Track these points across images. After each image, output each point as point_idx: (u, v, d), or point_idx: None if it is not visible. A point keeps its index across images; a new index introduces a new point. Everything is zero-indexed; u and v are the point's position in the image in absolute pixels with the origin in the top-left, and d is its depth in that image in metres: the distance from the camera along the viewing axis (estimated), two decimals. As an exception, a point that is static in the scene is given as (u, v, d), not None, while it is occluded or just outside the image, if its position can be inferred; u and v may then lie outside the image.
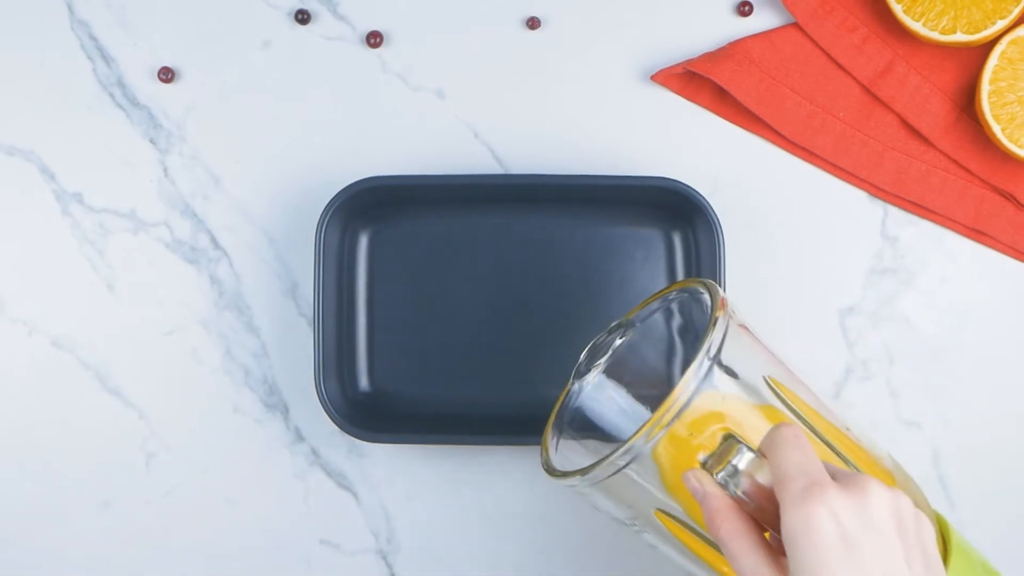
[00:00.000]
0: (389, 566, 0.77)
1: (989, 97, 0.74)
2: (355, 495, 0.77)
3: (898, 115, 0.77)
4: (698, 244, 0.75)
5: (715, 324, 0.58)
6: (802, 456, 0.54)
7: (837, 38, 0.76)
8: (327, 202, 0.73)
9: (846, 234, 0.77)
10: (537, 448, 0.75)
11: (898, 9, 0.74)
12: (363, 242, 0.76)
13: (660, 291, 0.65)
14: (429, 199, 0.75)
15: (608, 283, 0.75)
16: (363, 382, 0.76)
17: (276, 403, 0.77)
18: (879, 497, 0.53)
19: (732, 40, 0.77)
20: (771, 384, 0.60)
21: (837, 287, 0.77)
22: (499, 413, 0.75)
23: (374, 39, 0.77)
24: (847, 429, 0.62)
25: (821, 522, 0.52)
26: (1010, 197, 0.76)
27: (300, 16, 0.77)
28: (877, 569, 0.52)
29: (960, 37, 0.73)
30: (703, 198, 0.73)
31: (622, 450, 0.57)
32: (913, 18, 0.74)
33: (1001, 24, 0.73)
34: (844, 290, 0.77)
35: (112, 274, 0.77)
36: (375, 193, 0.74)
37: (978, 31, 0.73)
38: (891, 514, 0.54)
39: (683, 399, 0.57)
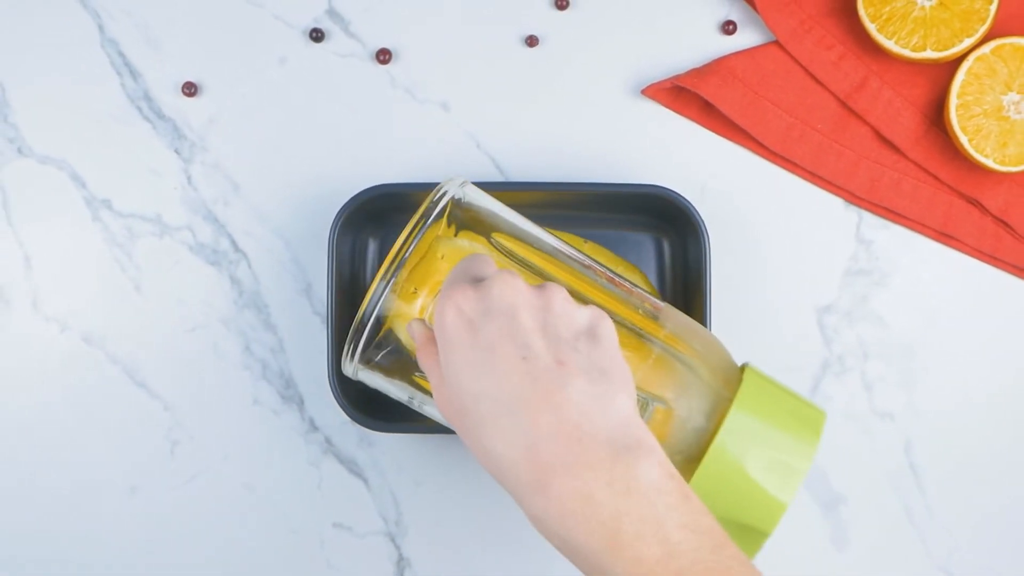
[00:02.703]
0: (397, 547, 0.77)
1: (957, 110, 0.74)
2: (365, 481, 0.77)
3: (872, 127, 0.77)
4: (686, 247, 0.75)
5: (430, 201, 0.61)
6: (456, 270, 0.56)
7: (815, 55, 0.76)
8: (339, 208, 0.73)
9: (823, 238, 0.77)
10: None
11: (872, 28, 0.74)
12: (372, 245, 0.76)
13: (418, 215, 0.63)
14: None
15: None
16: None
17: (292, 395, 0.77)
18: (501, 289, 0.53)
19: (717, 57, 0.77)
20: (495, 240, 0.62)
21: (815, 287, 0.77)
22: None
23: (383, 56, 0.77)
24: (585, 268, 0.63)
25: (445, 314, 0.54)
26: (976, 203, 0.76)
27: (314, 34, 0.77)
28: (504, 343, 0.52)
29: (930, 54, 0.74)
30: (691, 204, 0.72)
31: (367, 308, 0.60)
32: (886, 36, 0.74)
33: (968, 42, 0.73)
34: (821, 290, 0.77)
35: (139, 275, 0.77)
36: (384, 199, 0.74)
37: (946, 49, 0.73)
38: (515, 302, 0.53)
39: (399, 255, 0.60)
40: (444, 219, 0.62)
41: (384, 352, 0.62)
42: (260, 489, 0.77)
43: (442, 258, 0.62)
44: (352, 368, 0.63)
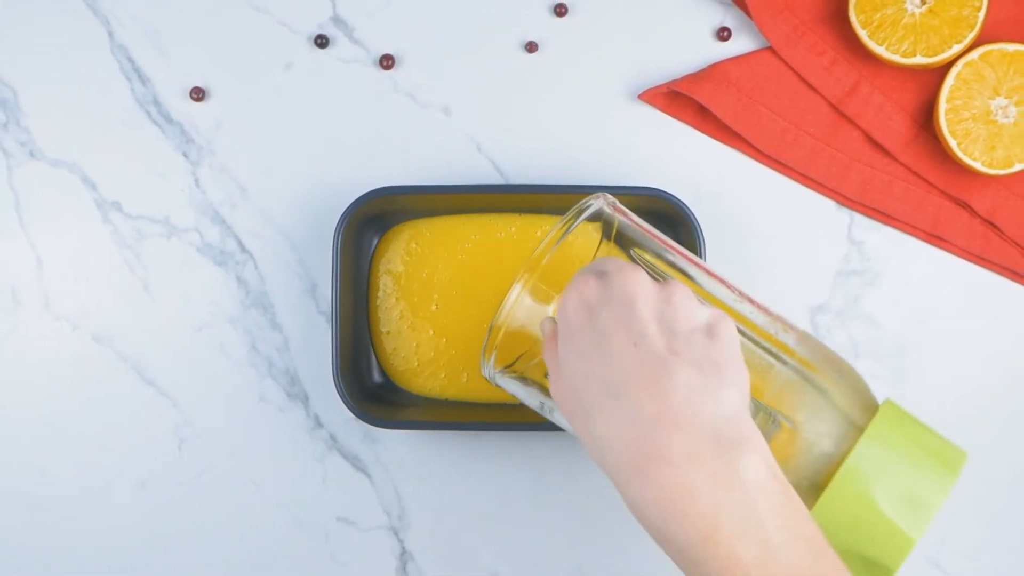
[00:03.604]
0: (400, 541, 0.77)
1: (946, 114, 0.74)
2: (369, 477, 0.77)
3: (863, 131, 0.77)
4: None
5: (580, 210, 0.59)
6: (586, 266, 0.55)
7: (808, 61, 0.76)
8: (344, 209, 0.73)
9: (816, 239, 0.77)
10: (533, 434, 0.76)
11: (863, 34, 0.74)
12: (376, 246, 0.76)
13: (559, 229, 0.61)
14: (436, 207, 0.75)
15: None
16: (376, 374, 0.76)
17: (297, 393, 0.77)
18: (623, 280, 0.53)
19: (712, 62, 0.77)
20: (636, 254, 0.61)
21: (808, 287, 0.77)
22: (500, 402, 0.74)
23: (386, 62, 0.77)
24: (725, 288, 0.62)
25: (568, 301, 0.54)
26: (965, 205, 0.76)
27: (319, 41, 0.77)
28: (618, 329, 0.51)
29: (920, 60, 0.74)
30: (686, 206, 0.73)
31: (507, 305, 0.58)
32: (877, 42, 0.74)
33: (957, 48, 0.73)
34: (814, 290, 0.77)
35: (148, 275, 0.77)
36: (387, 201, 0.74)
37: (936, 54, 0.73)
38: (635, 292, 0.52)
39: (548, 247, 0.58)
40: (588, 229, 0.60)
41: (519, 357, 0.60)
42: (266, 484, 0.77)
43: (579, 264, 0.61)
44: (489, 371, 0.61)
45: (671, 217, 0.74)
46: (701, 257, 0.72)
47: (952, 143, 0.74)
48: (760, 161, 0.78)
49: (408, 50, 0.78)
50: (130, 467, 0.77)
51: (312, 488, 0.77)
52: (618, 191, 0.74)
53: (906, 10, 0.74)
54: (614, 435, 0.50)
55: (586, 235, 0.60)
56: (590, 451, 0.52)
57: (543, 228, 0.75)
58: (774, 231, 0.77)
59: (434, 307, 0.75)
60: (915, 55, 0.74)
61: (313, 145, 0.78)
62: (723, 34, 0.78)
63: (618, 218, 0.62)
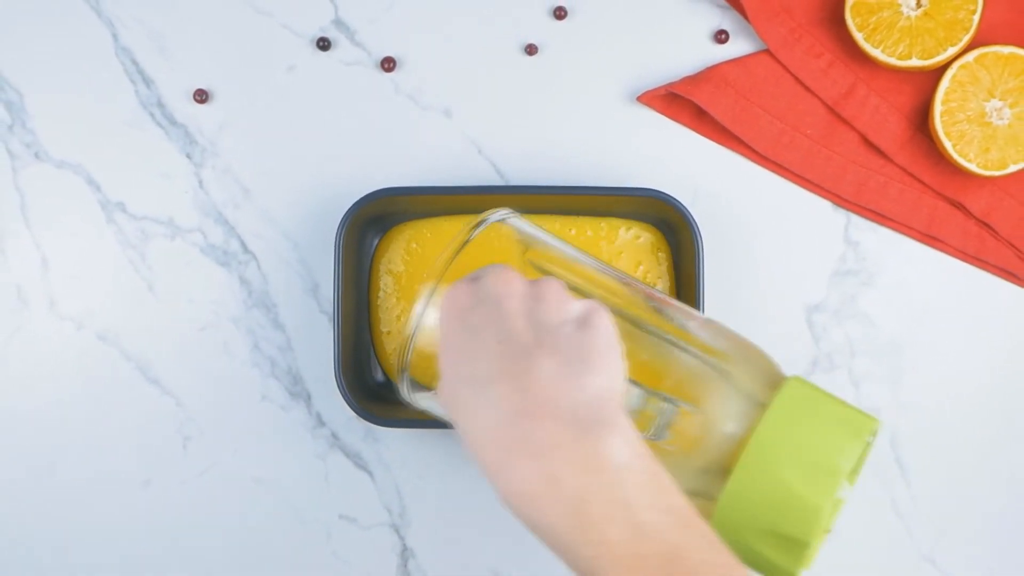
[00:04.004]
0: (401, 538, 0.77)
1: (941, 116, 0.74)
2: (371, 475, 0.77)
3: (859, 132, 0.77)
4: (680, 248, 0.75)
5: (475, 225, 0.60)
6: (473, 272, 0.56)
7: (804, 63, 0.77)
8: (345, 210, 0.73)
9: (812, 239, 0.77)
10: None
11: (859, 37, 0.74)
12: (377, 246, 0.76)
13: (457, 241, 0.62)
14: (437, 208, 0.75)
15: None
16: (378, 373, 0.76)
17: (299, 392, 0.77)
18: (493, 281, 0.54)
19: (710, 65, 0.77)
20: (530, 259, 0.61)
21: (804, 287, 0.77)
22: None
23: (388, 64, 0.78)
24: (621, 283, 0.62)
25: (443, 305, 0.54)
26: (959, 206, 0.77)
27: (321, 43, 0.77)
28: (488, 327, 0.52)
29: (915, 62, 0.74)
30: (684, 207, 0.72)
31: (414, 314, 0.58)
32: (873, 45, 0.74)
33: (952, 51, 0.74)
34: (810, 289, 0.77)
35: (152, 275, 0.77)
36: (388, 202, 0.74)
37: (931, 57, 0.74)
38: (504, 291, 0.53)
39: (443, 265, 0.58)
40: (507, 243, 0.61)
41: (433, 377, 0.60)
42: (269, 482, 0.77)
43: None
44: (406, 392, 0.61)
45: (669, 218, 0.74)
46: (699, 259, 0.72)
47: (947, 145, 0.74)
48: (757, 162, 0.78)
49: (409, 53, 0.78)
50: (134, 465, 0.77)
51: (314, 486, 0.77)
52: (616, 192, 0.74)
53: (902, 13, 0.74)
54: (481, 432, 0.50)
55: (501, 250, 0.61)
56: (468, 450, 0.51)
57: (543, 227, 0.75)
58: (771, 231, 0.78)
59: None
60: (911, 57, 0.74)
61: (315, 146, 0.78)
62: (721, 37, 0.78)
63: (517, 227, 0.62)
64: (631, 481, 0.48)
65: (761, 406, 0.57)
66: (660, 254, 0.76)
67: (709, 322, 0.62)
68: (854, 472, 0.61)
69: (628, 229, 0.76)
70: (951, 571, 0.77)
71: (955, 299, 0.78)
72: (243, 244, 0.78)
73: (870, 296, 0.77)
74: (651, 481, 0.49)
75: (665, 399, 0.57)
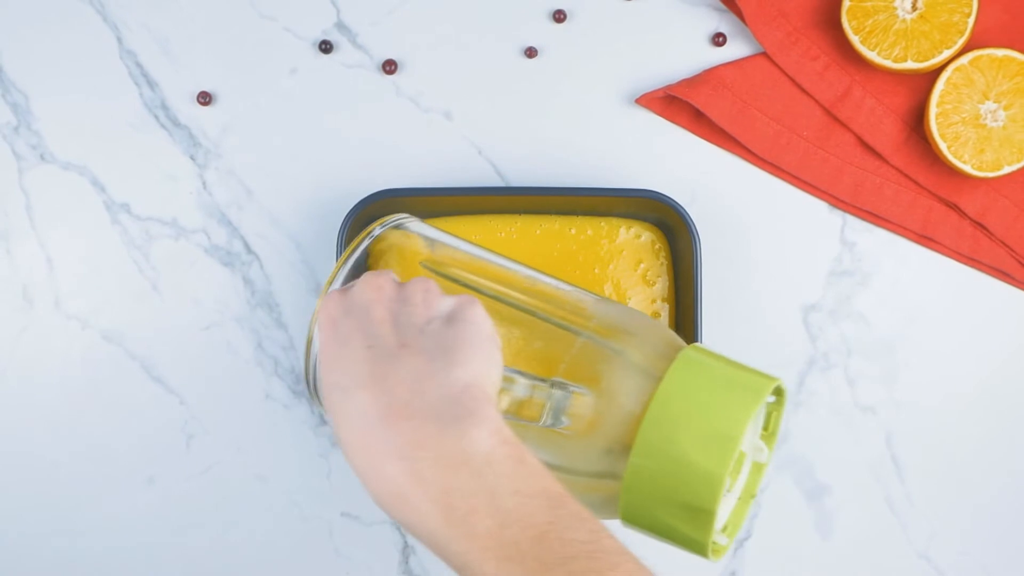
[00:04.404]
0: (403, 535, 0.77)
1: (936, 118, 0.74)
2: None
3: (855, 134, 0.77)
4: (678, 249, 0.75)
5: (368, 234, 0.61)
6: (353, 282, 0.56)
7: (801, 66, 0.77)
8: (348, 211, 0.73)
9: (809, 240, 0.78)
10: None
11: (855, 40, 0.75)
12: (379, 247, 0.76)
13: (347, 251, 0.63)
14: (438, 209, 0.75)
15: (598, 283, 0.76)
16: None
17: (302, 390, 0.77)
18: (362, 288, 0.54)
19: (708, 67, 0.78)
20: (424, 264, 0.62)
21: (801, 287, 0.77)
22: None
23: (389, 67, 0.78)
24: (513, 272, 0.63)
25: (319, 316, 0.55)
26: (954, 207, 0.77)
27: (324, 46, 0.78)
28: (356, 334, 0.52)
29: (910, 65, 0.74)
30: (682, 208, 0.73)
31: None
32: (869, 48, 0.74)
33: (947, 53, 0.74)
34: (807, 290, 0.77)
35: (156, 276, 0.78)
36: (390, 203, 0.74)
37: (926, 59, 0.74)
38: (372, 297, 0.53)
39: (329, 282, 0.60)
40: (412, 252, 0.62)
41: None
42: (272, 480, 0.77)
43: None
44: (313, 401, 0.62)
45: (668, 218, 0.74)
46: (697, 260, 0.72)
47: (942, 146, 0.74)
48: (755, 164, 0.78)
49: (410, 56, 0.78)
50: (139, 463, 0.77)
51: (317, 483, 0.77)
52: (615, 193, 0.74)
53: (897, 16, 0.74)
54: (350, 438, 0.50)
55: (396, 257, 0.61)
56: (345, 456, 0.51)
57: (542, 227, 0.76)
58: (768, 232, 0.78)
59: None
60: (906, 60, 0.74)
61: (318, 148, 0.78)
62: (719, 40, 0.78)
63: (414, 231, 0.62)
64: (495, 470, 0.48)
65: (657, 380, 0.57)
66: (660, 253, 0.76)
67: (602, 303, 0.62)
68: (771, 434, 0.60)
69: (629, 228, 0.76)
70: (945, 568, 0.77)
71: (950, 299, 0.78)
72: (246, 245, 0.78)
73: (866, 296, 0.78)
74: (516, 468, 0.48)
75: (556, 384, 0.57)
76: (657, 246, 0.76)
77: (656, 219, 0.75)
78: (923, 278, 0.78)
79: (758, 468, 0.61)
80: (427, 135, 0.78)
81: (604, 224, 0.76)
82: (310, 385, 0.60)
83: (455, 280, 0.62)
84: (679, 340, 0.60)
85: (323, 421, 0.77)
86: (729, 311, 0.77)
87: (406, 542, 0.77)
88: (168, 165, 0.78)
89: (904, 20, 0.74)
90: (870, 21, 0.74)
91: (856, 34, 0.75)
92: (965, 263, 0.78)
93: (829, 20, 0.77)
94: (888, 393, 0.77)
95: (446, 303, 0.54)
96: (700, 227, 0.74)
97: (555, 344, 0.59)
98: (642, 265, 0.76)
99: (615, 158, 0.78)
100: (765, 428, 0.62)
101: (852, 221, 0.78)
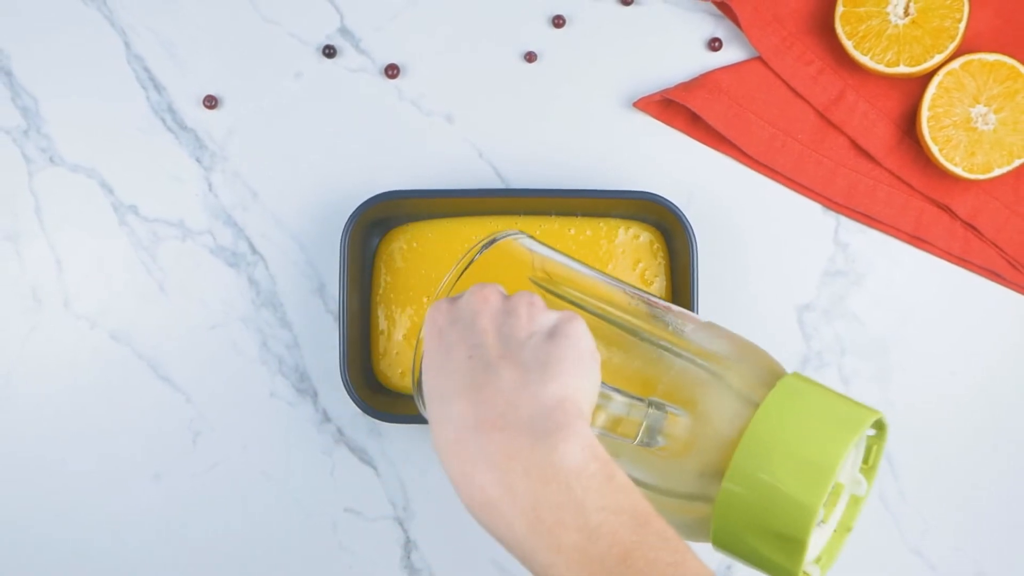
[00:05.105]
0: (405, 531, 0.77)
1: (928, 121, 0.74)
2: (375, 469, 0.77)
3: (849, 137, 0.77)
4: (675, 250, 0.75)
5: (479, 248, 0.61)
6: (462, 292, 0.56)
7: (795, 70, 0.77)
8: (350, 213, 0.73)
9: (803, 241, 0.78)
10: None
11: (849, 45, 0.75)
12: (382, 248, 0.76)
13: (465, 258, 0.62)
14: (439, 210, 0.75)
15: None
16: (383, 369, 0.76)
17: (306, 389, 0.77)
18: (469, 299, 0.54)
19: (704, 72, 0.78)
20: (533, 279, 0.62)
21: (795, 287, 0.78)
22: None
23: (392, 71, 0.78)
24: (618, 291, 0.62)
25: (425, 324, 0.55)
26: (946, 208, 0.77)
27: (327, 51, 0.78)
28: (460, 344, 0.52)
29: (903, 69, 0.74)
30: (679, 210, 0.73)
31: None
32: (862, 53, 0.75)
33: (938, 58, 0.74)
34: (801, 290, 0.78)
35: (163, 276, 0.78)
36: (392, 205, 0.74)
37: (918, 64, 0.74)
38: (478, 309, 0.53)
39: (451, 281, 0.60)
40: (518, 263, 0.61)
41: None
42: (276, 476, 0.77)
43: None
44: (419, 403, 0.61)
45: (665, 219, 0.75)
46: (694, 260, 0.72)
47: (934, 149, 0.75)
48: (750, 166, 0.78)
49: (412, 60, 0.79)
50: (146, 459, 0.77)
51: (320, 480, 0.77)
52: (613, 195, 0.74)
53: (890, 22, 0.74)
54: (445, 445, 0.50)
55: (506, 269, 0.61)
56: (440, 463, 0.51)
57: (542, 227, 0.76)
58: (763, 233, 0.78)
59: (425, 301, 0.75)
60: (898, 65, 0.74)
61: (321, 151, 0.78)
62: (715, 45, 0.78)
63: (525, 246, 0.62)
64: (584, 485, 0.48)
65: (755, 406, 0.55)
66: (658, 253, 0.76)
67: (708, 326, 0.61)
68: (871, 468, 0.59)
69: (627, 229, 0.76)
70: (937, 562, 0.77)
71: (942, 299, 0.78)
72: (251, 245, 0.78)
73: (859, 296, 0.78)
74: (605, 484, 0.48)
75: (653, 404, 0.56)
76: (655, 246, 0.76)
77: (654, 220, 0.76)
78: (916, 279, 0.78)
79: (856, 501, 0.60)
80: (429, 138, 0.78)
81: (603, 225, 0.76)
82: (415, 388, 0.60)
83: (562, 297, 0.61)
84: (779, 366, 0.59)
85: (327, 419, 0.78)
86: (725, 310, 0.76)
87: (408, 537, 0.77)
88: (175, 167, 0.78)
89: (896, 25, 0.75)
90: (863, 26, 0.75)
91: (849, 39, 0.75)
92: (957, 264, 0.78)
93: (823, 25, 0.77)
94: (881, 391, 0.77)
95: (549, 317, 0.54)
96: (697, 228, 0.74)
97: (654, 364, 0.59)
98: (640, 265, 0.76)
99: (613, 160, 0.78)
100: (865, 461, 0.60)
101: (846, 222, 0.78)
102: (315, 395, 0.78)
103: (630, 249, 0.76)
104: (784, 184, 0.78)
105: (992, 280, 0.78)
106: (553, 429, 0.49)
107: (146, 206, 0.78)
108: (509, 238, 0.63)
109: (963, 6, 0.74)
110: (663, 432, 0.56)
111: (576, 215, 0.76)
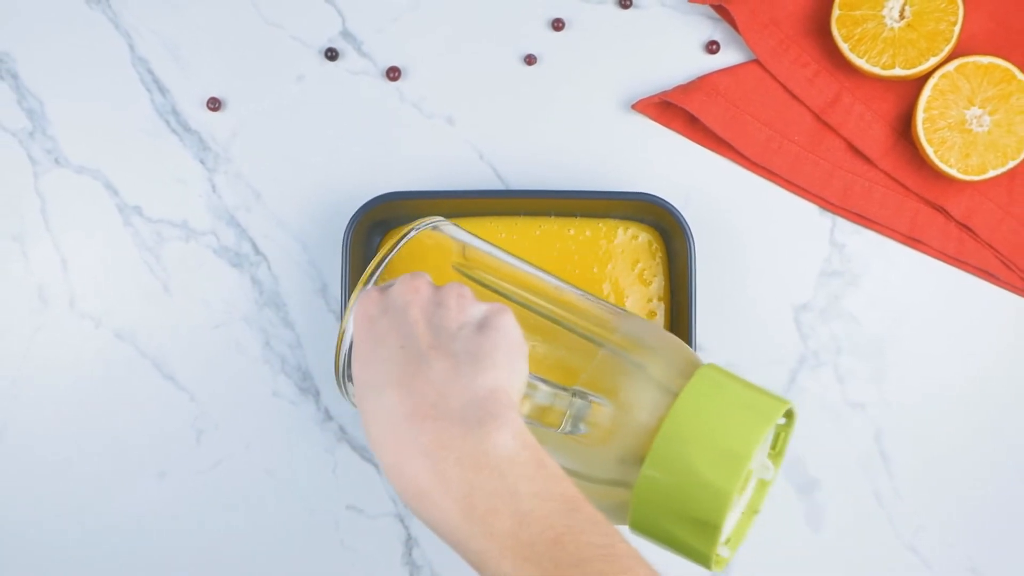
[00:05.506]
0: (406, 528, 0.77)
1: (923, 123, 0.74)
2: (377, 467, 0.77)
3: (845, 139, 0.77)
4: (673, 250, 0.75)
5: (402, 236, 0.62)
6: (391, 281, 0.56)
7: (792, 73, 0.77)
8: (353, 214, 0.73)
9: (800, 241, 0.78)
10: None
11: (845, 48, 0.75)
12: (382, 248, 0.73)
13: (384, 250, 0.63)
14: (441, 211, 0.74)
15: (596, 283, 0.76)
16: None
17: (309, 387, 0.77)
18: (399, 289, 0.55)
19: (702, 74, 0.78)
20: (456, 267, 0.63)
21: (792, 287, 0.78)
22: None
23: (393, 73, 0.78)
24: (543, 282, 0.63)
25: (355, 313, 0.55)
26: (941, 210, 0.77)
27: (329, 54, 0.78)
28: (391, 334, 0.53)
29: (898, 72, 0.74)
30: (677, 211, 0.73)
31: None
32: (858, 55, 0.75)
33: (933, 60, 0.74)
34: (798, 290, 0.78)
35: (167, 276, 0.78)
36: (394, 206, 0.74)
37: (913, 67, 0.74)
38: (409, 299, 0.54)
39: (369, 273, 0.60)
40: (441, 252, 0.62)
41: None
42: (279, 474, 0.77)
43: None
44: (344, 394, 0.62)
45: (663, 220, 0.75)
46: (691, 261, 0.72)
47: (929, 151, 0.75)
48: (747, 168, 0.78)
49: (414, 63, 0.79)
50: (151, 458, 0.77)
51: (322, 478, 0.77)
52: (612, 196, 0.74)
53: (885, 25, 0.75)
54: (378, 434, 0.50)
55: (430, 257, 0.62)
56: (373, 452, 0.52)
57: (541, 228, 0.76)
58: (760, 233, 0.78)
59: None
60: (894, 67, 0.75)
61: (323, 153, 0.78)
62: (712, 47, 0.78)
63: (448, 234, 0.63)
64: (516, 473, 0.49)
65: (674, 396, 0.57)
66: (657, 253, 0.76)
67: (627, 317, 0.62)
68: (778, 454, 0.61)
69: (626, 230, 0.76)
70: (931, 559, 0.77)
71: (937, 299, 0.78)
72: (255, 246, 0.78)
73: (855, 296, 0.78)
74: (536, 472, 0.49)
75: (577, 393, 0.57)
76: (653, 247, 0.76)
77: (652, 221, 0.76)
78: (911, 279, 0.78)
79: (763, 485, 0.61)
80: (430, 140, 0.78)
81: (602, 225, 0.76)
82: (340, 378, 0.61)
83: (485, 285, 0.62)
84: (697, 358, 0.61)
85: (329, 417, 0.78)
86: (723, 309, 0.77)
87: (409, 534, 0.77)
88: (179, 169, 0.78)
89: (892, 28, 0.75)
90: (859, 29, 0.75)
91: (845, 42, 0.75)
92: (952, 264, 0.78)
93: (819, 28, 0.77)
94: (877, 390, 0.78)
95: (479, 309, 0.54)
96: (695, 229, 0.74)
97: (577, 354, 0.60)
98: (639, 265, 0.76)
99: (612, 162, 0.78)
100: (773, 447, 0.62)
101: (841, 223, 0.78)
102: (317, 394, 0.78)
103: (629, 249, 0.76)
104: (781, 185, 0.78)
105: (987, 280, 0.78)
106: (485, 418, 0.49)
107: (150, 207, 0.78)
108: (431, 225, 0.63)
109: (958, 9, 0.74)
110: (586, 420, 0.57)
111: (575, 216, 0.76)
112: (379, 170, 0.78)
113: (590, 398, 0.58)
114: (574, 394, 0.57)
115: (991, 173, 0.75)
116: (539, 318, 0.61)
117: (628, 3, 0.78)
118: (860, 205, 0.77)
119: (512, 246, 0.76)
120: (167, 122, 0.79)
